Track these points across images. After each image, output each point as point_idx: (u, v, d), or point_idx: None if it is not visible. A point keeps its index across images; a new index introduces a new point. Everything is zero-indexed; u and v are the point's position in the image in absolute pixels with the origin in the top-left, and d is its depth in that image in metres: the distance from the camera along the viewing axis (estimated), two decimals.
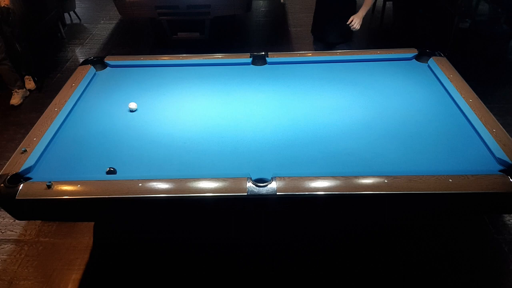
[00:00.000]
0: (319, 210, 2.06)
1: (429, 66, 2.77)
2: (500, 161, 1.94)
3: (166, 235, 2.70)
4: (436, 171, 1.88)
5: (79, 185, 1.84)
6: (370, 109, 2.40)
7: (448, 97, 2.45)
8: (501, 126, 2.14)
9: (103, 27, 5.94)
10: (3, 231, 2.82)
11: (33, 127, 2.23)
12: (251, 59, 2.90)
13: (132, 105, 2.45)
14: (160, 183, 1.85)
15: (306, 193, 1.81)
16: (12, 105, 4.10)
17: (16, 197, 1.79)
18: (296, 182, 1.84)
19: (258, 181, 1.84)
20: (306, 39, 5.40)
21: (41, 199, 1.81)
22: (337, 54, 2.97)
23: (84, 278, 2.48)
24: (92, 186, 1.84)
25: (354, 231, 2.69)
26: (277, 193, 1.80)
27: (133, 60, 2.96)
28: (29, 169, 1.95)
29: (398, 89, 2.57)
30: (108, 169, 1.96)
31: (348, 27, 3.16)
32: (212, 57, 2.96)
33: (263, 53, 2.93)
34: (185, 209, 2.00)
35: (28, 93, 4.31)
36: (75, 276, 2.49)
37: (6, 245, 2.72)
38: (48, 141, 2.14)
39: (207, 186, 1.84)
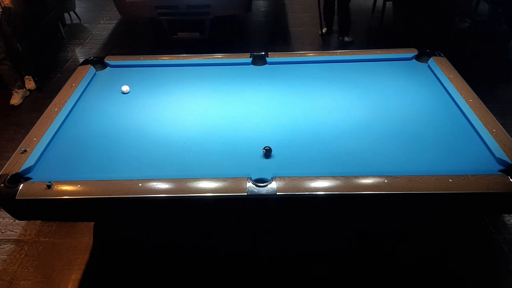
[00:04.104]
0: (319, 210, 2.06)
1: (429, 66, 2.77)
2: (500, 161, 1.94)
3: (166, 235, 2.70)
4: (436, 171, 1.88)
5: (79, 185, 1.84)
6: (370, 109, 2.40)
7: (448, 97, 2.45)
8: (501, 126, 2.14)
9: (103, 27, 5.94)
10: (3, 231, 2.82)
11: (33, 127, 2.23)
12: (251, 59, 2.90)
13: (124, 88, 2.52)
14: (160, 183, 1.85)
15: (306, 193, 1.81)
16: (12, 105, 4.10)
17: (16, 197, 1.79)
18: (296, 182, 1.84)
19: (258, 181, 1.84)
20: (306, 39, 5.41)
21: (41, 199, 1.81)
22: (337, 54, 2.97)
23: (84, 278, 2.48)
24: (92, 186, 1.85)
25: (354, 231, 2.69)
26: (277, 193, 1.80)
27: (133, 60, 2.96)
28: (29, 169, 1.95)
29: (398, 89, 2.57)
30: (266, 148, 2.01)
31: None
32: (212, 57, 2.96)
33: (263, 53, 2.93)
34: (185, 209, 2.00)
35: (28, 93, 4.31)
36: (75, 276, 2.49)
37: (6, 245, 2.72)
38: (48, 141, 2.15)
39: (207, 186, 1.84)
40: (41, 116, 2.32)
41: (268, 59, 2.89)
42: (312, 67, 2.84)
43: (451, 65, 2.70)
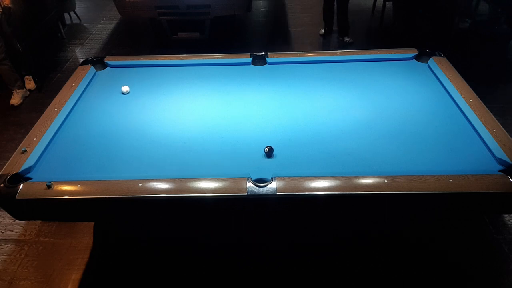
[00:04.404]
0: (319, 210, 2.06)
1: (429, 66, 2.77)
2: (500, 161, 1.94)
3: (166, 235, 2.70)
4: (436, 171, 1.88)
5: (79, 185, 1.84)
6: (370, 109, 2.40)
7: (448, 97, 2.45)
8: (501, 126, 2.14)
9: (103, 27, 5.94)
10: (3, 231, 2.82)
11: (33, 127, 2.23)
12: (251, 59, 2.90)
13: (124, 89, 2.54)
14: (160, 183, 1.85)
15: (306, 193, 1.81)
16: (12, 105, 4.10)
17: (16, 197, 1.79)
18: (296, 182, 1.84)
19: (258, 181, 1.84)
20: (306, 39, 5.41)
21: (41, 199, 1.81)
22: (337, 54, 2.97)
23: (84, 278, 2.48)
24: (92, 186, 1.85)
25: (354, 231, 2.69)
26: (277, 193, 1.80)
27: (133, 60, 2.96)
28: (29, 169, 1.95)
29: (398, 89, 2.57)
30: (267, 149, 2.02)
31: None
32: (212, 57, 2.96)
33: (263, 53, 2.93)
34: (185, 209, 2.00)
35: (28, 93, 4.31)
36: (75, 276, 2.49)
37: (6, 245, 2.72)
38: (48, 141, 2.14)
39: (207, 186, 1.84)
40: (41, 116, 2.32)
41: (268, 59, 2.89)
42: (312, 67, 2.84)
43: (451, 65, 2.70)
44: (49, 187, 1.81)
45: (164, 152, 2.11)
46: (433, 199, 1.83)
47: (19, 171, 1.92)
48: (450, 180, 1.81)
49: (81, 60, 3.39)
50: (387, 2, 5.62)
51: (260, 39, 5.54)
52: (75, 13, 6.09)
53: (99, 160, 2.06)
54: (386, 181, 1.82)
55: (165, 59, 2.96)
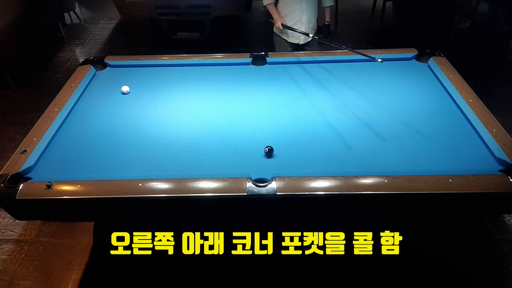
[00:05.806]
0: (319, 210, 2.06)
1: (429, 66, 2.77)
2: (500, 161, 1.94)
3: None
4: (436, 171, 1.88)
5: (79, 185, 1.84)
6: (370, 109, 2.40)
7: (448, 97, 2.45)
8: (501, 126, 2.14)
9: (103, 27, 5.94)
10: (3, 231, 2.82)
11: (33, 127, 2.23)
12: (251, 59, 2.90)
13: (124, 89, 2.55)
14: (160, 183, 1.85)
15: (306, 193, 1.81)
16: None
17: (16, 197, 1.79)
18: (296, 182, 1.84)
19: (258, 181, 1.84)
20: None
21: (41, 199, 1.81)
22: (337, 54, 2.97)
23: (84, 278, 2.48)
24: (92, 186, 1.85)
25: (354, 231, 2.68)
26: (277, 193, 1.80)
27: (133, 60, 2.96)
28: (29, 169, 1.95)
29: (398, 89, 2.57)
30: (267, 149, 2.02)
31: None
32: (212, 57, 2.96)
33: (263, 53, 2.93)
34: (185, 209, 2.00)
35: None
36: (75, 276, 2.49)
37: (6, 245, 2.72)
38: (48, 141, 2.14)
39: (207, 186, 1.84)
40: (41, 116, 2.32)
41: (268, 59, 2.89)
42: (312, 67, 2.84)
43: (451, 65, 2.70)
44: (49, 187, 1.81)
45: (164, 152, 2.11)
46: (433, 199, 1.83)
47: (19, 171, 1.92)
48: (450, 180, 1.81)
49: (81, 60, 3.39)
50: (387, 2, 5.62)
51: (260, 39, 5.54)
52: (75, 13, 6.09)
53: (99, 160, 2.06)
54: (386, 181, 1.82)
55: (165, 59, 2.96)
